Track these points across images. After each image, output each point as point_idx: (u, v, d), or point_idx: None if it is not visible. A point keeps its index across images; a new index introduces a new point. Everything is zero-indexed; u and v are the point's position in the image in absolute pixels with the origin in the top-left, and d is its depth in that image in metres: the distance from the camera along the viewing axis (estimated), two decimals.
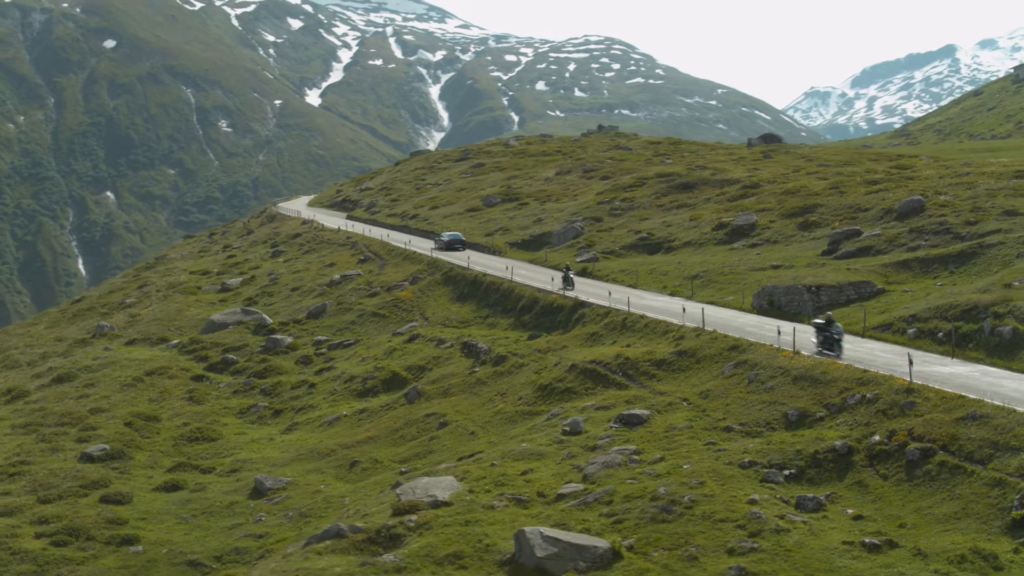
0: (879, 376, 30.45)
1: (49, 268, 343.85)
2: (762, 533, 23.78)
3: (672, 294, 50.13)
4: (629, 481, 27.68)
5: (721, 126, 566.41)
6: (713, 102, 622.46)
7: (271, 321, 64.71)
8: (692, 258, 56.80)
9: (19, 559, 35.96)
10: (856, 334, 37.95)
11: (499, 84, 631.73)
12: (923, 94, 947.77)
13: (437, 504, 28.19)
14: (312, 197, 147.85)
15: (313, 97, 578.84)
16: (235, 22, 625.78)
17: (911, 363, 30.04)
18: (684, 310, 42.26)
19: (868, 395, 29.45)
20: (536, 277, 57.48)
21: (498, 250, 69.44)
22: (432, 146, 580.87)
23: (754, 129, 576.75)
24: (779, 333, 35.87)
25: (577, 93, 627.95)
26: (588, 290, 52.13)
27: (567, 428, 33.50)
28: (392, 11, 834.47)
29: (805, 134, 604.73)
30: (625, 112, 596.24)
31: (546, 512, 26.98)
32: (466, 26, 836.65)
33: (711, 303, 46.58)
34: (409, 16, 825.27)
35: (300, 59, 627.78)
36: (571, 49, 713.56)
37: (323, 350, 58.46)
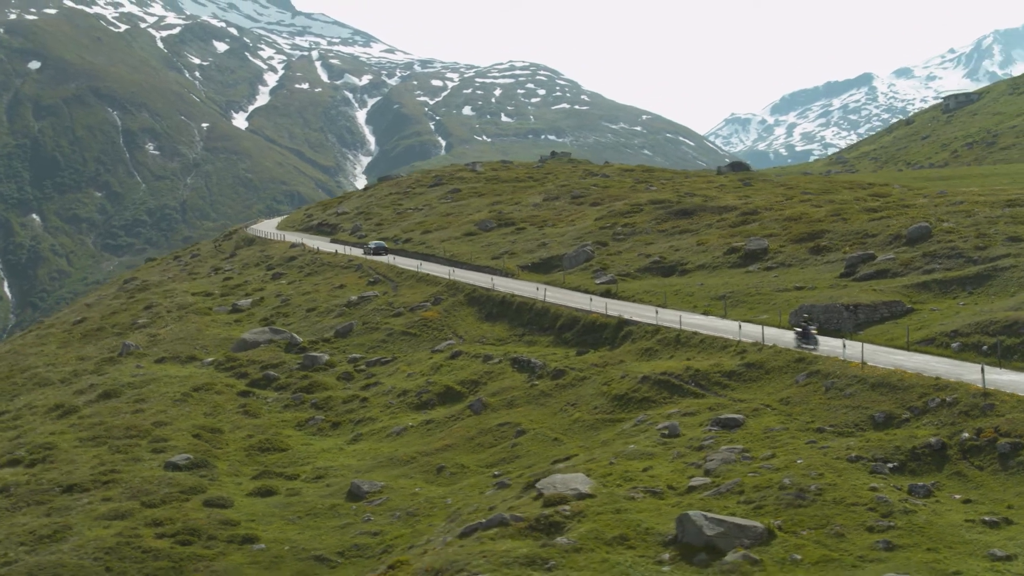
0: (952, 383, 34.80)
1: None
2: (893, 514, 27.82)
3: (705, 313, 54.21)
4: (751, 475, 31.58)
5: (646, 152, 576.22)
6: (638, 128, 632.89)
7: (301, 340, 67.63)
8: (711, 280, 61.04)
9: (152, 556, 38.82)
10: (901, 348, 42.40)
11: (426, 109, 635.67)
12: (841, 121, 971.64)
13: (582, 496, 31.85)
14: (279, 221, 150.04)
15: (240, 120, 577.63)
16: (160, 44, 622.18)
17: (983, 371, 34.45)
18: (740, 327, 46.39)
19: (947, 399, 33.73)
20: (568, 298, 61.26)
21: (511, 273, 73.06)
22: (359, 170, 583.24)
23: (679, 155, 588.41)
24: (844, 347, 40.15)
25: (504, 118, 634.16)
26: (623, 310, 56.03)
27: (665, 432, 37.33)
28: (317, 35, 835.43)
29: (728, 160, 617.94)
30: (552, 137, 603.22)
31: (685, 501, 30.77)
32: (391, 51, 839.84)
33: (747, 321, 50.74)
34: (334, 40, 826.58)
35: (226, 82, 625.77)
36: (497, 74, 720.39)
37: (362, 367, 61.51)
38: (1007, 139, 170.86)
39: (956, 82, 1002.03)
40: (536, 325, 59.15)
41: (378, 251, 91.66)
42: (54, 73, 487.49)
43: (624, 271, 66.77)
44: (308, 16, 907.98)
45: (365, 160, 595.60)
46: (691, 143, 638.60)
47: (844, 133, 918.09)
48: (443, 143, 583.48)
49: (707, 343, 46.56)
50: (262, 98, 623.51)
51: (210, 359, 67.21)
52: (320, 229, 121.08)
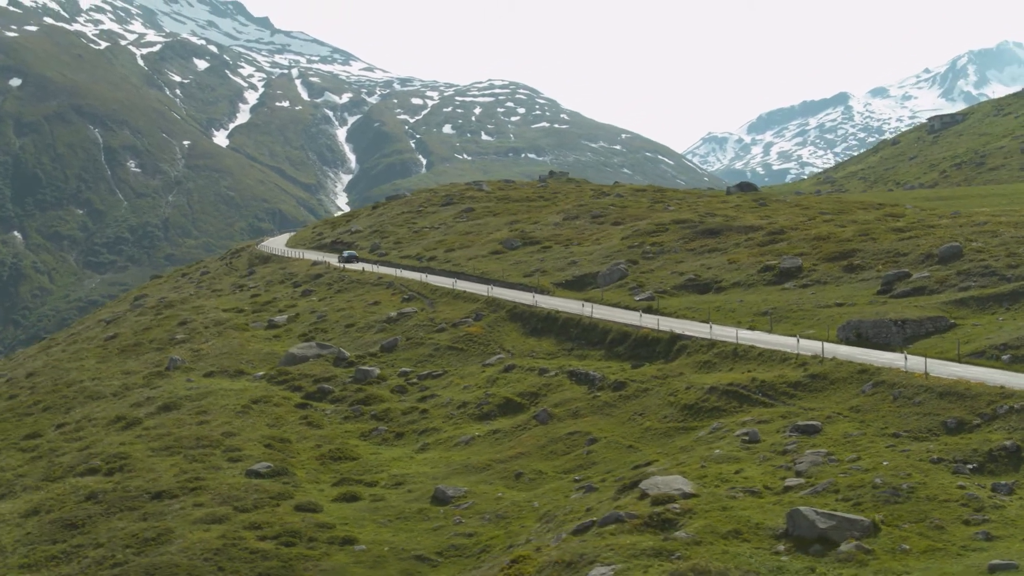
0: (1017, 391, 37.70)
1: None
2: (984, 509, 30.62)
3: (751, 328, 56.98)
4: (842, 475, 34.32)
5: (626, 170, 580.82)
6: (618, 147, 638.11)
7: (349, 354, 70.06)
8: (749, 297, 63.92)
9: (260, 556, 41.19)
10: (952, 360, 45.32)
11: (406, 127, 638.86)
12: (818, 140, 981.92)
13: (687, 496, 34.51)
14: (288, 238, 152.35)
15: (221, 138, 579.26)
16: (141, 62, 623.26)
17: None
18: (798, 340, 49.26)
19: (1016, 406, 36.61)
20: (612, 314, 63.99)
21: (546, 290, 75.70)
22: (340, 188, 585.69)
23: (658, 173, 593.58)
24: (906, 359, 43.09)
25: (484, 137, 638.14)
26: (672, 325, 58.81)
27: (746, 437, 40.05)
28: (296, 53, 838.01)
29: (708, 179, 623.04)
30: (532, 156, 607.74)
31: (785, 499, 33.48)
32: (370, 69, 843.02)
33: (793, 336, 53.59)
34: (313, 58, 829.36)
35: (207, 100, 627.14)
36: (476, 93, 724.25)
37: (414, 380, 63.93)
38: (995, 160, 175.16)
39: (931, 102, 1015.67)
40: (584, 340, 61.80)
41: (349, 259, 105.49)
42: (35, 90, 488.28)
43: (661, 288, 69.52)
44: (287, 34, 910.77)
45: (346, 178, 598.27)
46: (670, 162, 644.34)
47: (820, 152, 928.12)
48: (424, 161, 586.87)
49: (765, 356, 49.36)
50: (243, 116, 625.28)
51: (261, 373, 69.45)
52: (335, 247, 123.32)
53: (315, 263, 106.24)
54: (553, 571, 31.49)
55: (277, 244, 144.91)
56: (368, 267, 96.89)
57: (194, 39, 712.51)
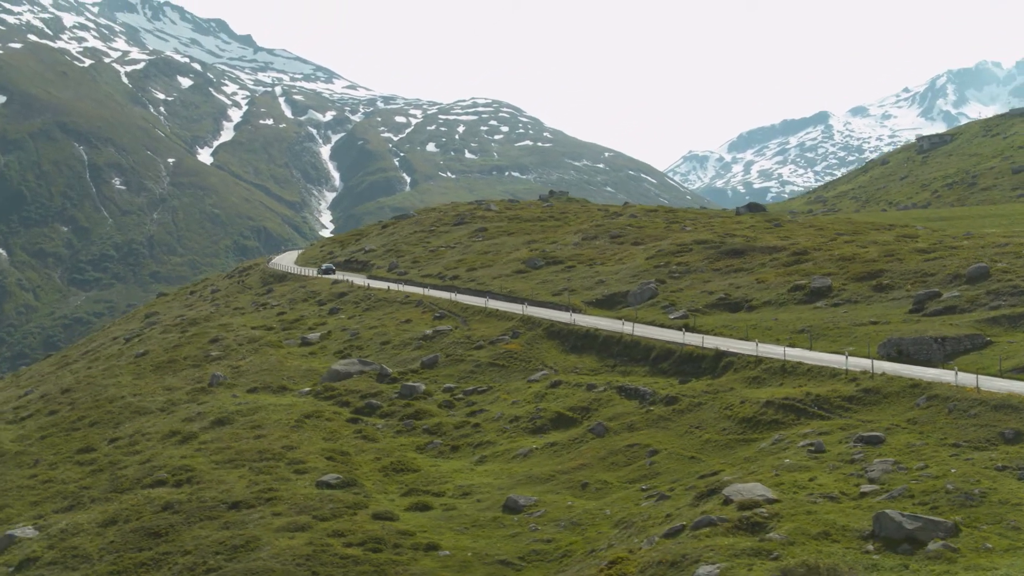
0: None
1: None
2: None
3: (791, 345, 59.61)
4: (914, 482, 36.87)
5: (609, 189, 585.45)
6: (601, 165, 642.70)
7: (392, 371, 72.33)
8: (783, 315, 66.61)
9: (352, 562, 43.35)
10: (994, 375, 48.04)
11: (390, 145, 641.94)
12: (798, 159, 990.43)
13: (771, 501, 36.98)
14: (297, 256, 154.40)
15: (205, 156, 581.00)
16: (125, 79, 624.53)
17: None
18: (847, 356, 51.92)
19: None
20: (650, 332, 66.53)
21: (577, 308, 78.17)
22: (324, 206, 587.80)
23: (641, 192, 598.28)
24: (956, 374, 45.79)
25: (467, 155, 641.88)
26: (714, 342, 61.38)
27: (811, 448, 42.58)
28: (279, 71, 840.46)
29: (690, 197, 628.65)
30: (516, 174, 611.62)
31: (864, 503, 35.98)
32: (353, 87, 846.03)
33: (832, 352, 56.24)
34: (296, 76, 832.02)
35: (191, 117, 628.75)
36: (460, 111, 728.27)
37: (459, 395, 66.24)
38: (986, 180, 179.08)
39: (911, 121, 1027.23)
40: (627, 356, 64.27)
41: (327, 271, 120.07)
42: (19, 108, 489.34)
43: (693, 307, 72.11)
44: (270, 52, 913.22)
45: (330, 196, 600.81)
46: (653, 180, 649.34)
47: (801, 171, 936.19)
48: (408, 179, 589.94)
49: (814, 372, 51.98)
50: (227, 133, 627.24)
51: (307, 388, 71.61)
52: (350, 266, 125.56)
53: (335, 282, 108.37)
54: (657, 570, 33.86)
55: (286, 262, 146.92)
56: (394, 286, 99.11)
57: (177, 57, 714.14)
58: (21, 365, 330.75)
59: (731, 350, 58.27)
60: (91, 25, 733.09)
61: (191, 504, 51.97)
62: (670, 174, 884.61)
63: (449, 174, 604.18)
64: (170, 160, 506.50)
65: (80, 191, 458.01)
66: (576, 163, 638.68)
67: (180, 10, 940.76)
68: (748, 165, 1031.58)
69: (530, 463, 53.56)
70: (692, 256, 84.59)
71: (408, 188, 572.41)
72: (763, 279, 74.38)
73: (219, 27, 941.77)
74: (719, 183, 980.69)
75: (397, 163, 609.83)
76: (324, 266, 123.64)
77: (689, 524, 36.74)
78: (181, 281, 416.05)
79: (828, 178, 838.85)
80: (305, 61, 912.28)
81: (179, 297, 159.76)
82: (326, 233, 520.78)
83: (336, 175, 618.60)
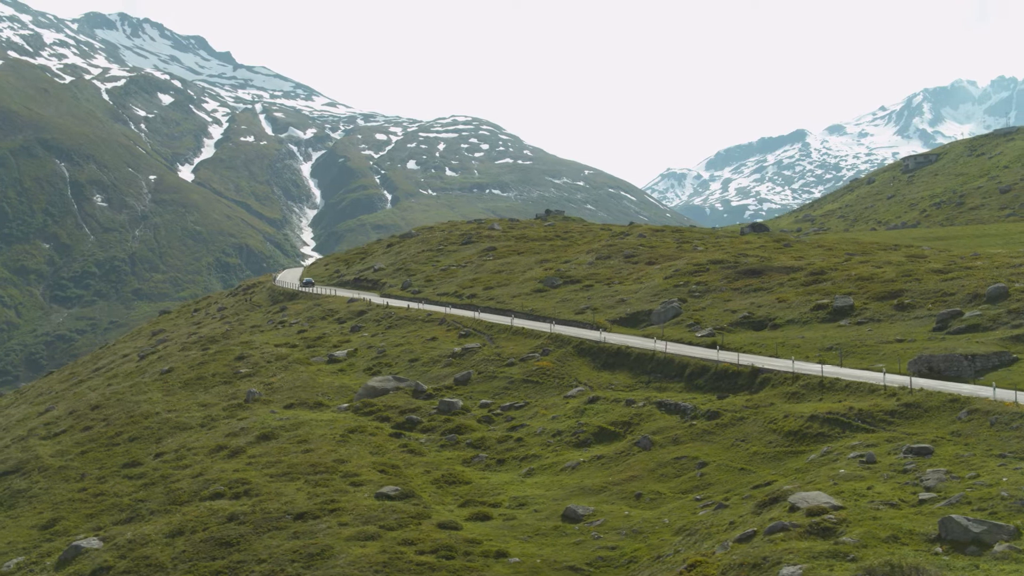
0: None
1: None
2: None
3: (821, 362, 62.33)
4: (969, 490, 39.49)
5: (590, 206, 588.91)
6: (581, 183, 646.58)
7: (427, 387, 74.59)
8: (808, 334, 69.34)
9: (428, 568, 45.58)
10: None
11: (370, 162, 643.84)
12: (776, 177, 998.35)
13: (836, 508, 39.51)
14: (300, 273, 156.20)
15: (186, 173, 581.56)
16: (106, 96, 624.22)
17: None
18: (884, 373, 54.64)
19: None
20: (683, 349, 69.13)
21: (602, 326, 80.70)
22: (305, 223, 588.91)
23: (620, 209, 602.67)
24: (994, 388, 48.57)
25: (448, 172, 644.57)
26: (749, 360, 64.01)
27: (863, 459, 45.18)
28: (259, 88, 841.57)
29: (669, 215, 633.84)
30: (496, 192, 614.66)
31: (925, 510, 38.56)
32: (333, 104, 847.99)
33: (865, 369, 58.94)
34: (276, 93, 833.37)
35: (172, 134, 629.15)
36: (440, 129, 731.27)
37: (497, 411, 68.55)
38: (974, 199, 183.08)
39: (887, 139, 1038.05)
40: (661, 373, 66.81)
41: (307, 284, 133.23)
42: (0, 124, 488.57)
43: (718, 325, 74.76)
44: (249, 69, 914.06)
45: (311, 213, 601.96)
46: (632, 198, 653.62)
47: (779, 188, 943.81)
48: (389, 197, 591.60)
49: (852, 387, 54.65)
50: (207, 151, 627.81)
51: (345, 404, 73.76)
52: (359, 284, 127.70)
53: (351, 300, 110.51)
54: (739, 572, 36.31)
55: (290, 280, 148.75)
56: (414, 305, 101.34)
57: (158, 74, 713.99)
58: (3, 383, 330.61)
59: (766, 367, 60.80)
60: (71, 42, 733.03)
61: (255, 515, 53.98)
62: (648, 191, 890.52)
63: (430, 191, 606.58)
64: (151, 177, 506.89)
65: (62, 208, 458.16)
66: (556, 181, 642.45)
67: (159, 27, 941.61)
68: (726, 183, 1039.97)
69: (580, 475, 55.89)
70: (710, 276, 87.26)
71: (389, 205, 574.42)
72: (783, 298, 77.08)
73: (199, 44, 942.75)
74: (697, 200, 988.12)
75: (378, 180, 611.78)
76: (304, 280, 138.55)
77: (761, 530, 39.15)
78: (163, 298, 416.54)
79: (806, 196, 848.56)
80: (284, 78, 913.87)
81: (183, 315, 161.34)
82: (308, 250, 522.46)
83: (317, 192, 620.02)
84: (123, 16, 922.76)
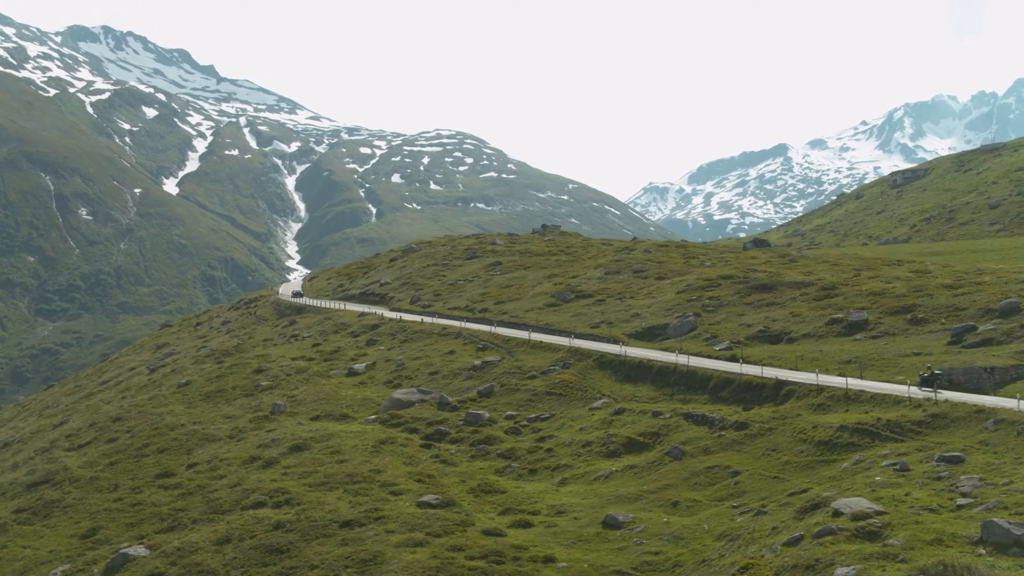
0: None
1: None
2: None
3: (841, 375, 64.45)
4: (1004, 496, 41.58)
5: (574, 220, 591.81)
6: (565, 197, 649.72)
7: (452, 399, 76.40)
8: (825, 347, 71.48)
9: (479, 573, 47.41)
10: None
11: (355, 176, 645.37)
12: (758, 191, 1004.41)
13: (879, 513, 41.56)
14: (302, 287, 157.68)
15: (171, 186, 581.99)
16: (90, 109, 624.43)
17: None
18: (909, 386, 56.81)
19: None
20: (703, 362, 71.18)
21: (619, 340, 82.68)
22: (289, 236, 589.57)
23: (605, 223, 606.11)
24: (1019, 400, 50.77)
25: (433, 186, 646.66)
26: (773, 373, 66.09)
27: (896, 467, 47.26)
28: (243, 101, 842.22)
29: (653, 229, 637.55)
30: (481, 205, 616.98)
31: (965, 514, 40.65)
32: (316, 117, 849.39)
33: (886, 382, 61.08)
34: (260, 107, 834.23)
35: (156, 148, 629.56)
36: (424, 143, 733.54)
37: (523, 422, 70.34)
38: (964, 215, 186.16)
39: (869, 153, 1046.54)
40: (684, 386, 68.82)
41: (296, 295, 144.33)
42: None
43: (735, 339, 76.86)
44: (233, 82, 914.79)
45: (296, 226, 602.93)
46: (616, 212, 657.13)
47: (761, 202, 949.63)
48: (373, 210, 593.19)
49: (877, 399, 56.77)
50: (192, 164, 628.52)
51: (371, 416, 75.46)
52: (366, 298, 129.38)
53: (362, 314, 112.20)
54: (793, 573, 38.32)
55: (287, 296, 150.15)
56: (428, 319, 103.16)
57: (142, 87, 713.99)
58: None
59: (790, 379, 62.89)
60: (55, 55, 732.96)
61: (301, 523, 55.65)
62: (631, 205, 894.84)
63: (415, 205, 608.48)
64: (136, 190, 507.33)
65: (46, 221, 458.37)
66: (540, 195, 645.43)
67: (143, 40, 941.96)
68: (708, 197, 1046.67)
69: (614, 484, 57.75)
70: (722, 291, 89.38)
71: (374, 219, 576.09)
72: (797, 312, 79.24)
73: (182, 57, 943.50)
74: (679, 214, 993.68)
75: (363, 194, 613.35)
76: (293, 291, 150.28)
77: (808, 534, 41.15)
78: (149, 311, 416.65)
79: (788, 210, 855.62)
80: (268, 91, 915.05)
81: (185, 328, 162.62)
82: (293, 264, 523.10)
83: (302, 206, 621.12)
84: (106, 29, 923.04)
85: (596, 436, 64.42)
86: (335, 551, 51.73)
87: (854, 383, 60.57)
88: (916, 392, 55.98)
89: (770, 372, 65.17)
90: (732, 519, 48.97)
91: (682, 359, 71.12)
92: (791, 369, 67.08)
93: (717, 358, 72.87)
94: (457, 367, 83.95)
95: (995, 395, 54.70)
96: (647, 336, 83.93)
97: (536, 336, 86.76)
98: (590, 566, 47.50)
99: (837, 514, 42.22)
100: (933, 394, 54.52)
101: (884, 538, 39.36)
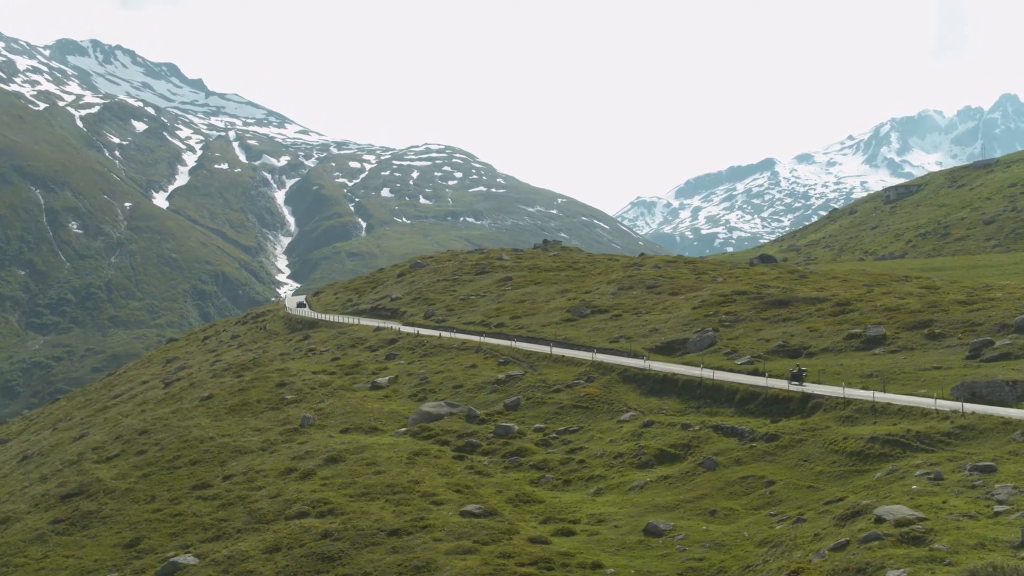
0: None
1: None
2: None
3: (864, 388, 66.63)
4: None
5: (563, 234, 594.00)
6: (554, 211, 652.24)
7: (479, 412, 78.29)
8: (845, 361, 73.66)
9: None
10: None
11: (344, 190, 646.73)
12: (745, 205, 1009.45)
13: (920, 519, 43.64)
14: (308, 301, 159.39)
15: (161, 200, 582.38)
16: (80, 123, 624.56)
17: None
18: (935, 399, 59.00)
19: None
20: (727, 376, 73.29)
21: (639, 355, 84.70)
22: (279, 250, 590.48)
23: (594, 237, 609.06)
24: None
25: (422, 200, 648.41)
26: (795, 387, 68.23)
27: (931, 476, 49.35)
28: (232, 115, 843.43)
29: (642, 243, 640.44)
30: (470, 220, 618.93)
31: (1003, 520, 42.73)
32: (305, 132, 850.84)
33: (909, 395, 63.25)
34: (249, 120, 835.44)
35: (146, 161, 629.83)
36: (413, 157, 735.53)
37: (552, 435, 72.22)
38: (958, 230, 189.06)
39: (855, 168, 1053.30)
40: (711, 399, 70.88)
41: (300, 305, 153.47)
42: None
43: (755, 353, 79.02)
44: (222, 96, 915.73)
45: (285, 240, 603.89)
46: (605, 226, 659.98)
47: (748, 217, 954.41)
48: (363, 224, 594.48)
49: (904, 411, 58.93)
50: (182, 178, 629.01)
51: (402, 429, 77.23)
52: (377, 313, 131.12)
53: (378, 328, 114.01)
54: None
55: (305, 309, 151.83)
56: (446, 333, 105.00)
57: (131, 100, 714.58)
58: None
59: (815, 392, 65.02)
60: (44, 68, 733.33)
61: (348, 532, 57.40)
62: (619, 219, 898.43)
63: (404, 219, 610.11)
64: (127, 204, 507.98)
65: (37, 235, 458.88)
66: (530, 209, 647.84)
67: (131, 54, 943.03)
68: (696, 211, 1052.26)
69: (650, 494, 59.69)
70: (737, 306, 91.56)
71: (364, 233, 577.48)
72: (814, 327, 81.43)
73: (170, 71, 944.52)
74: (667, 228, 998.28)
75: (352, 208, 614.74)
76: (296, 302, 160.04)
77: (854, 540, 43.14)
78: (140, 325, 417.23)
79: (775, 224, 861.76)
80: (257, 106, 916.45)
81: (192, 342, 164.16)
82: (283, 278, 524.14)
83: (291, 220, 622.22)
84: (95, 43, 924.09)
85: (627, 448, 66.31)
86: (386, 558, 53.43)
87: (880, 396, 62.65)
88: (943, 404, 58.12)
89: (795, 386, 67.18)
90: (771, 527, 50.90)
91: (707, 373, 73.10)
92: (814, 383, 69.11)
93: (739, 372, 74.90)
94: (481, 381, 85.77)
95: (1020, 408, 56.80)
96: (667, 350, 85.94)
97: (557, 351, 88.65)
98: (637, 572, 49.35)
99: (880, 520, 44.19)
100: (800, 387, 62.70)
101: (929, 543, 41.38)
